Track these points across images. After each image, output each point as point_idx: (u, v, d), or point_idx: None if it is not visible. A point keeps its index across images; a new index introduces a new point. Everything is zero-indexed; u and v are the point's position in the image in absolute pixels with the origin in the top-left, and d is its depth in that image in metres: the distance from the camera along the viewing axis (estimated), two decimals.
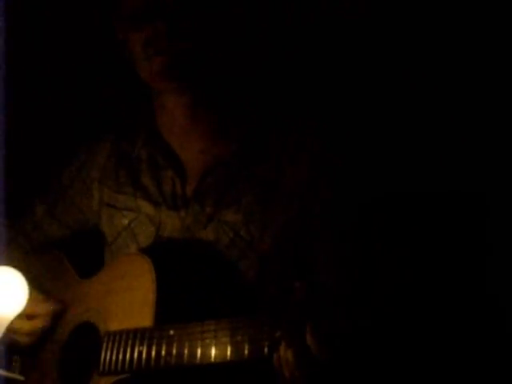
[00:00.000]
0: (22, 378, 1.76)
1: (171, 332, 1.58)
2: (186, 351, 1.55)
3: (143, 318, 1.63)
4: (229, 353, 1.51)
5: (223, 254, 1.71)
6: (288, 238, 1.70)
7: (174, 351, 1.56)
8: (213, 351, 1.52)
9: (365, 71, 1.97)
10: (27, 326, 1.79)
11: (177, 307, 1.63)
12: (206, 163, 1.76)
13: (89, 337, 1.74)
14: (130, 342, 1.62)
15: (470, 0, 1.84)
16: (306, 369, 1.45)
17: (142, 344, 1.61)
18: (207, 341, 1.53)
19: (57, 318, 1.80)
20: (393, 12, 1.91)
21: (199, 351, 1.54)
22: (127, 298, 1.68)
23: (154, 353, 1.58)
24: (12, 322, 1.71)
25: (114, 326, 1.68)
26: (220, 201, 1.73)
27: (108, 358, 1.65)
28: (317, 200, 1.69)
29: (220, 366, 1.53)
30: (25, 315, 1.77)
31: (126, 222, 1.81)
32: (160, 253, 1.72)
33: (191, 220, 1.75)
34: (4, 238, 1.88)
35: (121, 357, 1.63)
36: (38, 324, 1.80)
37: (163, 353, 1.57)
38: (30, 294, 1.73)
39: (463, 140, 1.83)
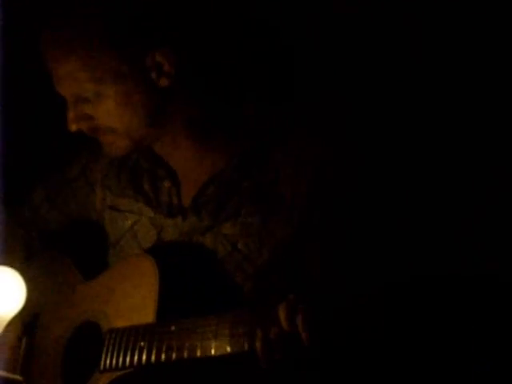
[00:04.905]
0: (20, 378, 1.76)
1: (172, 328, 1.58)
2: (186, 344, 1.55)
3: (146, 315, 1.63)
4: (229, 345, 1.51)
5: (221, 262, 1.71)
6: (286, 253, 1.68)
7: (175, 345, 1.56)
8: (213, 344, 1.52)
9: (365, 83, 1.96)
10: None
11: (179, 305, 1.63)
12: (205, 175, 1.75)
13: (91, 335, 1.73)
14: (131, 339, 1.63)
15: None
16: (291, 354, 1.47)
17: (143, 340, 1.61)
18: (208, 334, 1.53)
19: None
20: (394, 11, 1.90)
21: (199, 344, 1.53)
22: (130, 297, 1.68)
23: (154, 348, 1.58)
24: None
25: (117, 323, 1.68)
26: (218, 213, 1.72)
27: (109, 354, 1.65)
28: (316, 214, 1.67)
29: (222, 360, 1.53)
30: None
31: (129, 223, 1.82)
32: (163, 253, 1.72)
33: (188, 229, 1.75)
34: (3, 230, 1.89)
35: (122, 353, 1.63)
36: None
37: (164, 348, 1.57)
38: None
39: None
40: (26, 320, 1.85)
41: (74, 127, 1.69)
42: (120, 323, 1.67)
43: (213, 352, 1.53)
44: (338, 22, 1.95)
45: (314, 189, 1.67)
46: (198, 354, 1.54)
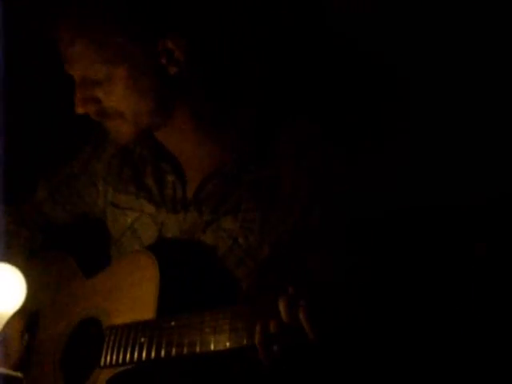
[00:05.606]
0: (20, 375, 1.77)
1: (172, 323, 1.58)
2: (186, 340, 1.55)
3: (146, 311, 1.63)
4: (228, 340, 1.51)
5: (222, 261, 1.71)
6: (286, 248, 1.68)
7: (175, 341, 1.56)
8: (212, 339, 1.52)
9: (368, 77, 1.95)
10: None
11: (180, 302, 1.63)
12: (206, 169, 1.76)
13: (92, 332, 1.74)
14: (131, 335, 1.63)
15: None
16: (290, 347, 1.47)
17: (143, 336, 1.61)
18: (207, 329, 1.53)
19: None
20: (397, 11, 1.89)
21: (199, 339, 1.53)
22: (131, 293, 1.68)
23: (155, 344, 1.58)
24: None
25: (118, 320, 1.68)
26: (218, 208, 1.73)
27: (110, 351, 1.65)
28: (316, 209, 1.67)
29: (221, 355, 1.53)
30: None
31: (129, 221, 1.83)
32: (164, 250, 1.72)
33: (189, 225, 1.75)
34: (4, 229, 1.90)
35: (122, 349, 1.63)
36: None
37: (164, 343, 1.57)
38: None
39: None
40: (27, 317, 1.85)
41: (80, 110, 1.69)
42: (120, 319, 1.67)
43: (212, 347, 1.53)
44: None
45: (314, 184, 1.68)
46: (198, 349, 1.54)
